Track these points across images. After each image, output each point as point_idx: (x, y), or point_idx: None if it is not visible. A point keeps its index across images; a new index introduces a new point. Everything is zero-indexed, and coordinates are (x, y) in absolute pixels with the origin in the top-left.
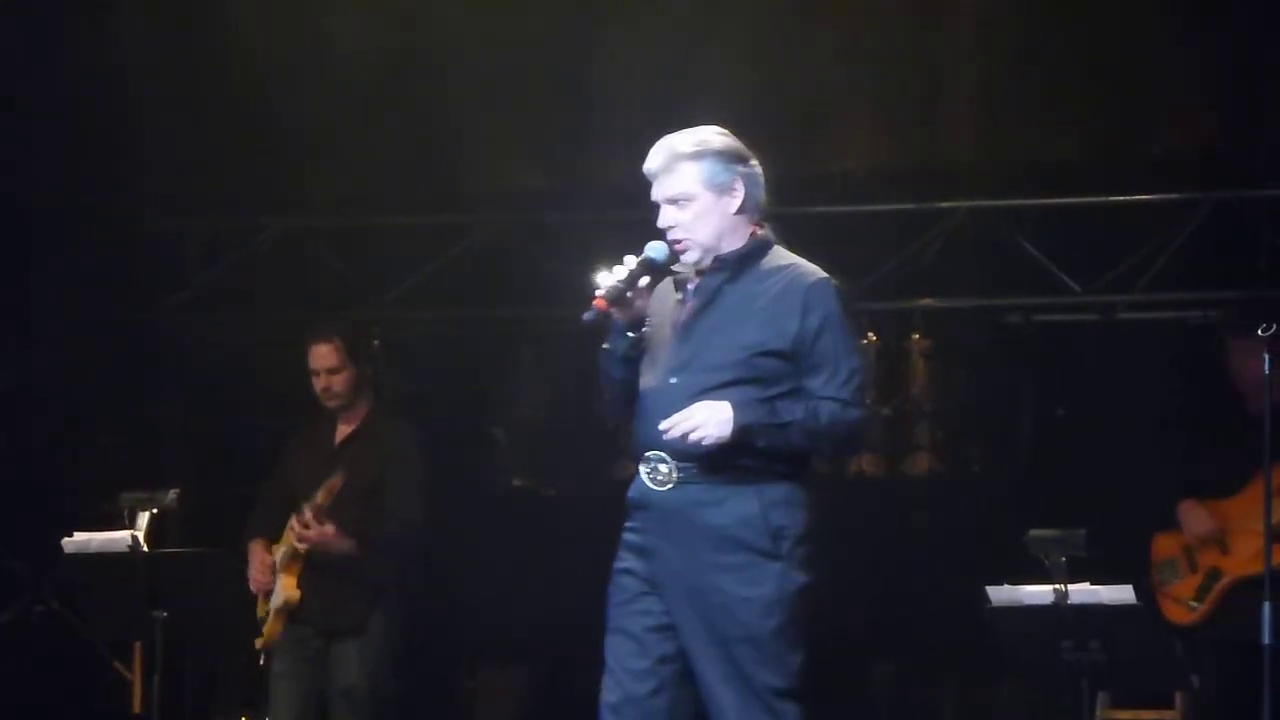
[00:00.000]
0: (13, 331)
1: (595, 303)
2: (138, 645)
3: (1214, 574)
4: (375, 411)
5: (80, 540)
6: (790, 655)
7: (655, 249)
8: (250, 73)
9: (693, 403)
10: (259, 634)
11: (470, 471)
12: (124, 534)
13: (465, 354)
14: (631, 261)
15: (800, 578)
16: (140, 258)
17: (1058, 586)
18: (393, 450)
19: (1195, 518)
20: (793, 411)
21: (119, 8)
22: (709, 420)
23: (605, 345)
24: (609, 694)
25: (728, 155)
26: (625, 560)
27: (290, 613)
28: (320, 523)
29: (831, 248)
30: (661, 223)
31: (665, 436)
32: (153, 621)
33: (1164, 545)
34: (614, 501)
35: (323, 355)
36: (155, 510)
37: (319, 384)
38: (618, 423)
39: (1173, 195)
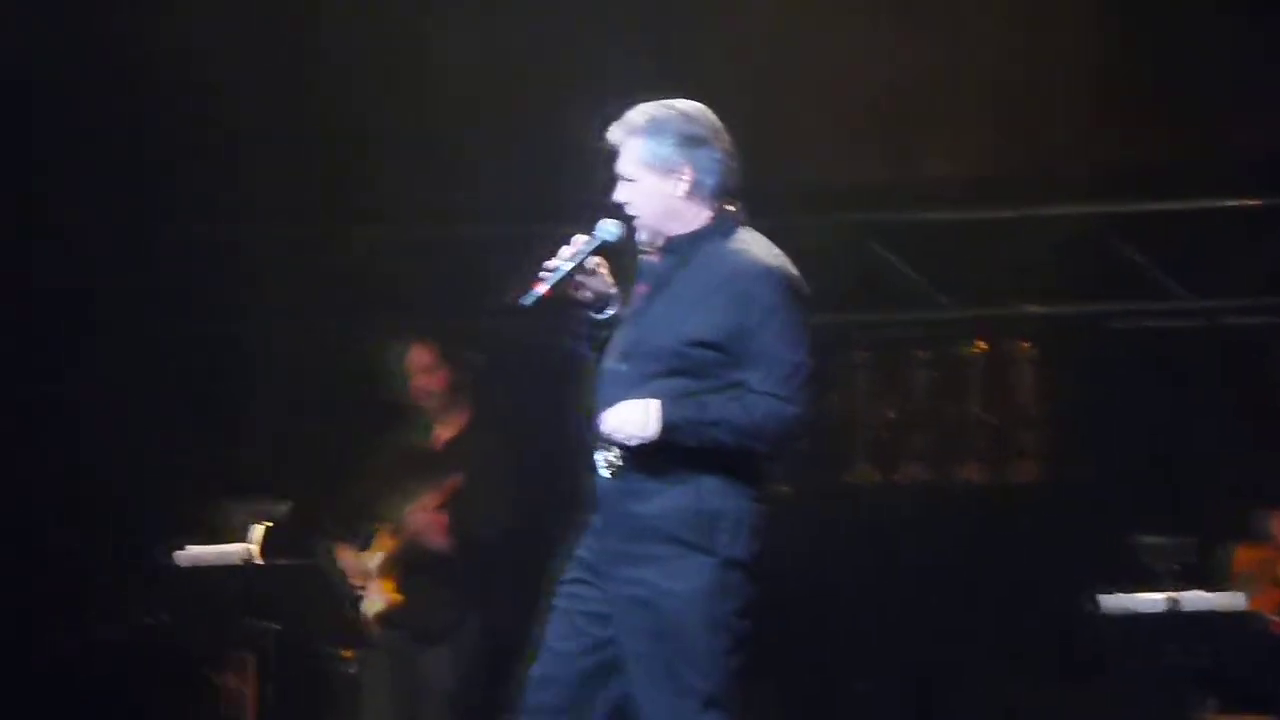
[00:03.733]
0: (110, 344)
1: (534, 285)
2: (249, 657)
3: None
4: (471, 421)
5: (194, 553)
6: (720, 655)
7: (605, 228)
8: (342, 81)
9: (633, 389)
10: (353, 641)
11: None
12: (237, 547)
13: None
14: (580, 241)
15: (735, 573)
16: (230, 267)
17: (1169, 594)
18: (482, 458)
19: None
20: (724, 409)
21: (208, 14)
22: (630, 420)
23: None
24: (536, 667)
25: (680, 137)
26: (581, 544)
27: (386, 618)
28: (442, 499)
29: (936, 255)
30: (615, 197)
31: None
32: (264, 633)
33: (1245, 558)
34: None
35: (418, 358)
36: (267, 523)
37: (414, 386)
38: None
39: None
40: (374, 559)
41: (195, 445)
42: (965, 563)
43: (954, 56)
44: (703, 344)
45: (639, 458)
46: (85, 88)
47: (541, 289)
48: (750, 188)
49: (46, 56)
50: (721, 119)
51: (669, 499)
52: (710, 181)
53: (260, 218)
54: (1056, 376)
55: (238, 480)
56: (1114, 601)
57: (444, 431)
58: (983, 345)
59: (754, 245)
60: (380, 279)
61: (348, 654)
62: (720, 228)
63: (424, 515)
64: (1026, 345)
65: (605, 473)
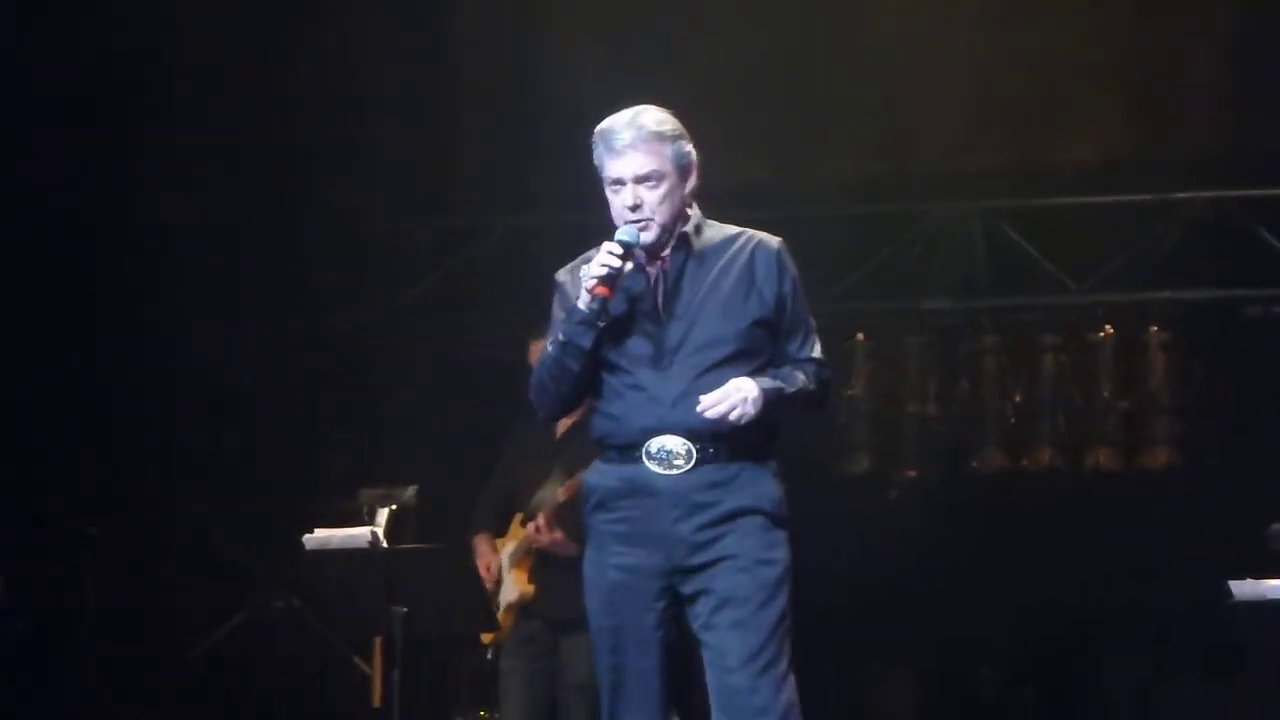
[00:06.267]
0: (250, 332)
1: (597, 290)
2: (377, 640)
3: None
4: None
5: (321, 537)
6: (788, 624)
7: (628, 233)
8: (476, 73)
9: (700, 381)
10: (490, 629)
11: None
12: (364, 530)
13: None
14: (616, 247)
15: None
16: (370, 258)
17: None
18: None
19: None
20: (794, 380)
21: (353, 9)
22: (745, 399)
23: (561, 338)
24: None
25: (685, 137)
26: (620, 556)
27: (522, 608)
28: (551, 527)
29: (1066, 239)
30: (627, 200)
31: (708, 415)
32: (392, 616)
33: None
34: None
35: (539, 349)
36: (394, 507)
37: None
38: (556, 419)
39: None
40: (508, 548)
41: (337, 433)
42: (1095, 549)
43: (1087, 42)
44: (761, 322)
45: (722, 443)
46: (236, 94)
47: (603, 291)
48: (882, 174)
49: (212, 64)
50: (855, 108)
51: (753, 483)
52: (698, 179)
53: (399, 214)
54: (1188, 362)
55: (378, 468)
56: (1246, 588)
57: (566, 420)
58: (1110, 330)
59: (740, 227)
60: (518, 267)
61: (486, 638)
62: (702, 220)
63: (545, 537)
64: (1157, 330)
65: (677, 469)
